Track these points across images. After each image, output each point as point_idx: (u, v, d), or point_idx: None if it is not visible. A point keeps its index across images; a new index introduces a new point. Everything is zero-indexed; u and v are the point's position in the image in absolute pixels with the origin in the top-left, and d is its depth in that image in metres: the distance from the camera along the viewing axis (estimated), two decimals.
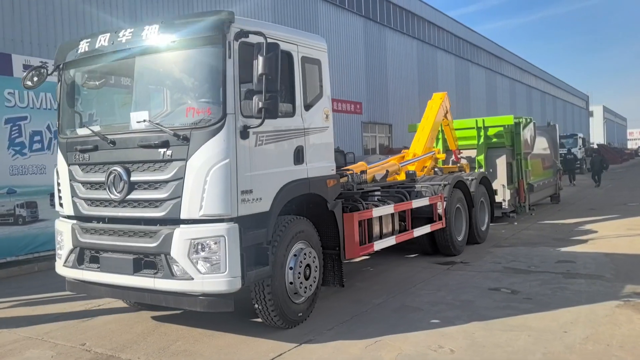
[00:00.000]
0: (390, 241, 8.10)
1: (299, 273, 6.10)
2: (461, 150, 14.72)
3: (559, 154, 30.68)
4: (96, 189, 5.92)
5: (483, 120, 14.50)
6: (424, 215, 9.54)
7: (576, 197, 21.83)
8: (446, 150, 14.55)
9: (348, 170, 7.99)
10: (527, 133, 15.45)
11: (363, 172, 8.11)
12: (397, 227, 8.43)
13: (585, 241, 11.24)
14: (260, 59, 5.23)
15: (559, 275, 8.26)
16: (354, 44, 29.88)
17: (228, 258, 5.21)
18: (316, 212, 6.79)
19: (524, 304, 6.83)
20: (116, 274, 5.71)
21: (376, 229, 7.79)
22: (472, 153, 14.53)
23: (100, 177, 5.84)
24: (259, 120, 5.33)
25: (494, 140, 14.54)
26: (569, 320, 6.11)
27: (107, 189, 5.74)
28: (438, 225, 9.52)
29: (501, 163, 14.40)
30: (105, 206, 5.86)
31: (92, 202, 5.99)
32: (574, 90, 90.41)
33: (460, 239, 10.33)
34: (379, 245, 7.77)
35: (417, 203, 8.93)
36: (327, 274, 6.93)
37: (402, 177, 10.64)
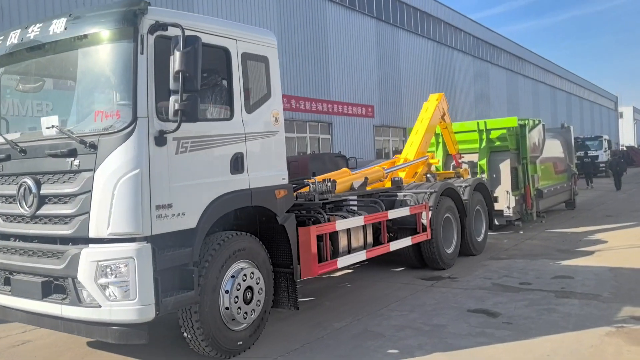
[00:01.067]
0: (360, 256, 7.33)
1: (237, 297, 5.40)
2: (462, 155, 13.85)
3: (576, 157, 29.61)
4: (10, 202, 5.32)
5: (485, 123, 13.61)
6: (408, 226, 8.78)
7: (594, 202, 20.69)
8: (447, 154, 13.73)
9: (309, 179, 7.22)
10: (534, 135, 14.51)
11: (327, 180, 7.32)
12: (370, 240, 7.66)
13: (591, 253, 10.30)
14: (177, 54, 4.57)
15: (550, 294, 7.39)
16: (365, 46, 29.12)
17: (138, 283, 4.54)
18: (268, 227, 6.10)
19: (501, 329, 6.01)
20: (26, 299, 5.09)
21: (342, 243, 7.03)
22: (475, 157, 13.65)
23: (13, 190, 5.23)
24: (176, 124, 4.66)
25: (497, 143, 13.63)
26: (547, 351, 5.29)
27: (18, 202, 5.14)
28: (422, 237, 8.72)
29: (505, 168, 13.48)
30: (18, 222, 5.25)
31: (6, 217, 5.39)
32: (602, 91, 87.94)
33: (450, 251, 9.51)
34: (344, 261, 7.00)
35: (394, 213, 8.15)
36: (281, 295, 6.22)
37: (388, 184, 9.86)
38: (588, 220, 15.29)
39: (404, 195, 8.95)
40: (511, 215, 13.36)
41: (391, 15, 31.52)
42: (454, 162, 13.38)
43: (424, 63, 35.27)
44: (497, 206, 13.41)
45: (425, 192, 9.14)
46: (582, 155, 27.28)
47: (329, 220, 6.75)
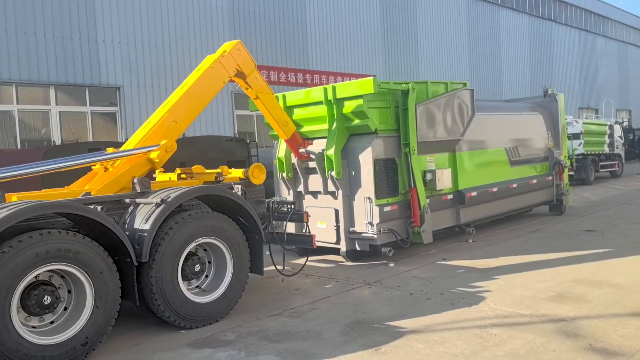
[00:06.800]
0: None
1: None
2: (311, 141, 8.91)
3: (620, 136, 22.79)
4: None
5: (334, 89, 8.48)
6: None
7: (612, 201, 14.63)
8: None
9: None
10: (439, 108, 9.14)
11: None
12: None
13: (399, 334, 5.22)
14: None
15: None
16: (367, 3, 23.79)
17: None
18: None
19: None
20: None
21: None
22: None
23: None
24: None
25: (355, 122, 8.46)
26: None
27: None
28: None
29: (365, 161, 8.36)
30: None
31: None
32: None
33: (56, 340, 4.83)
34: None
35: None
36: None
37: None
38: (545, 240, 9.76)
39: None
40: (374, 236, 8.26)
41: None
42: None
43: (453, 21, 28.98)
44: (356, 223, 8.47)
45: None
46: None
47: None
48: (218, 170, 6.97)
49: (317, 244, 8.87)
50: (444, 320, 5.64)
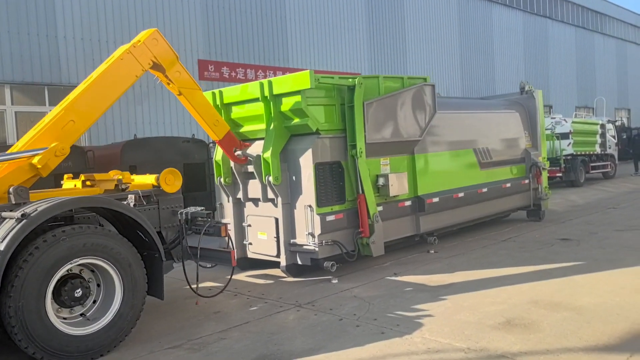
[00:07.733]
0: None
1: None
2: (249, 142, 8.01)
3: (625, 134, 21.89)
4: None
5: (270, 84, 7.56)
6: None
7: (598, 205, 13.70)
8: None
9: None
10: (396, 105, 8.23)
11: None
12: None
13: None
14: None
15: None
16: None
17: None
18: None
19: None
20: None
21: None
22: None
23: None
24: None
25: (295, 120, 7.55)
26: None
27: None
28: None
29: (306, 164, 7.45)
30: None
31: None
32: None
33: None
34: None
35: None
36: None
37: None
38: (514, 250, 8.84)
39: None
40: (315, 249, 7.35)
41: None
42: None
43: (444, 17, 27.95)
44: (297, 234, 7.58)
45: None
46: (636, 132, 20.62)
47: None
48: (119, 176, 6.07)
49: (258, 256, 8.10)
50: (364, 357, 4.73)
